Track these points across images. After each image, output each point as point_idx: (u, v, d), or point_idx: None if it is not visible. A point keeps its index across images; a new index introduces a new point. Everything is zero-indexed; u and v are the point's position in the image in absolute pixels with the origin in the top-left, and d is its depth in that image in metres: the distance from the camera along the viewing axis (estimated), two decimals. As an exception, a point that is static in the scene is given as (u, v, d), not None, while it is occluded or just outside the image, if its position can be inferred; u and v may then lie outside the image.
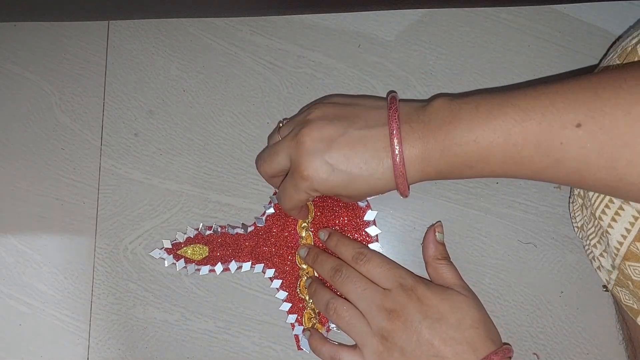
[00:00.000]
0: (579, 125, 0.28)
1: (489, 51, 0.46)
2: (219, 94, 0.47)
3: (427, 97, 0.46)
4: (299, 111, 0.45)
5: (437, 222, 0.43)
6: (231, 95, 0.47)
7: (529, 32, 0.46)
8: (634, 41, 0.34)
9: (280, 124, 0.41)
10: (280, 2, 0.45)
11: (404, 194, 0.35)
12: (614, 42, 0.45)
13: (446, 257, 0.41)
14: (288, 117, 0.46)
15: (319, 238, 0.44)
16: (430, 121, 0.33)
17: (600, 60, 0.44)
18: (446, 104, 0.33)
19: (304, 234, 0.44)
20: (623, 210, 0.33)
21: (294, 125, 0.38)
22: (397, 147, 0.33)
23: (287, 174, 0.38)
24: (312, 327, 0.43)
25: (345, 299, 0.39)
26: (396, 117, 0.34)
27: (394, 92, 0.37)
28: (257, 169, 0.41)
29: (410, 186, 0.35)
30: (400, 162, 0.33)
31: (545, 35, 0.45)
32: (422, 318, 0.36)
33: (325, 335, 0.43)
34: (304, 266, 0.44)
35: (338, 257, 0.42)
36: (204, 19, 0.48)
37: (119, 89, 0.48)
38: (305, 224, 0.44)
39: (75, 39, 0.49)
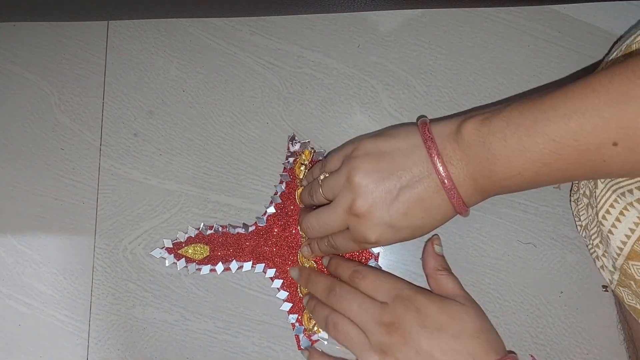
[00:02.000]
0: (615, 144, 0.28)
1: (489, 51, 0.46)
2: (219, 94, 0.47)
3: (426, 97, 0.46)
4: (327, 157, 0.42)
5: (434, 235, 0.43)
6: (231, 95, 0.47)
7: (529, 32, 0.46)
8: (639, 38, 0.34)
9: (320, 178, 0.40)
10: (280, 2, 0.45)
11: (465, 214, 0.36)
12: (617, 41, 0.45)
13: (447, 268, 0.41)
14: (288, 117, 0.46)
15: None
16: (469, 159, 0.33)
17: (603, 58, 0.44)
18: (475, 133, 0.33)
19: (305, 234, 0.44)
20: (628, 210, 0.33)
21: (338, 189, 0.37)
22: (446, 179, 0.34)
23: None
24: (313, 327, 0.43)
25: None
26: (436, 157, 0.34)
27: (424, 119, 0.37)
28: (303, 230, 0.42)
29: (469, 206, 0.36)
30: (451, 186, 0.34)
31: (545, 36, 0.45)
32: (420, 329, 0.36)
33: (327, 336, 0.43)
34: (306, 265, 0.44)
35: (333, 277, 0.42)
36: (204, 19, 0.48)
37: (118, 89, 0.48)
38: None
39: (74, 39, 0.49)
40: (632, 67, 0.28)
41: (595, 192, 0.36)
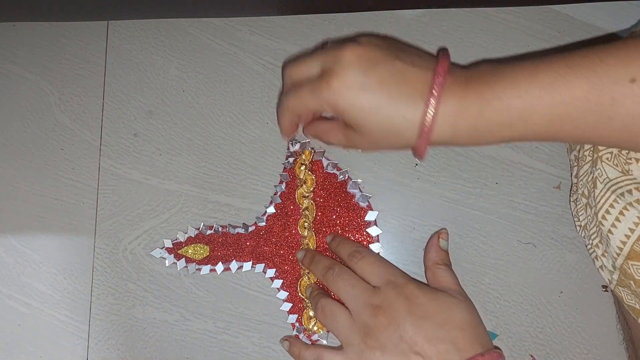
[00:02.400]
0: (633, 81, 0.26)
1: (489, 51, 0.46)
2: (219, 94, 0.47)
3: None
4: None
5: (442, 229, 0.43)
6: (230, 95, 0.47)
7: (529, 32, 0.46)
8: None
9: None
10: (279, 2, 0.45)
11: (421, 152, 0.33)
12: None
13: (447, 264, 0.41)
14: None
15: (320, 238, 0.44)
16: (472, 75, 0.31)
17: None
18: (491, 64, 0.32)
19: (305, 234, 0.44)
20: (627, 210, 0.33)
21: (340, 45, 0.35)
22: (436, 92, 0.31)
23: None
24: (312, 327, 0.43)
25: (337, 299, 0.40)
26: (446, 66, 0.32)
27: (446, 48, 0.36)
28: (283, 71, 0.39)
29: (427, 148, 0.33)
30: (433, 110, 0.31)
31: (544, 36, 0.45)
32: (407, 314, 0.35)
33: (326, 336, 0.43)
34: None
35: (337, 259, 0.42)
36: (203, 19, 0.48)
37: (118, 89, 0.48)
38: (306, 224, 0.44)
39: (74, 39, 0.49)
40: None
41: (594, 192, 0.36)
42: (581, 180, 0.38)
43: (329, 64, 0.33)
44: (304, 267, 0.44)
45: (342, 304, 0.39)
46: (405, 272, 0.39)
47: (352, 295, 0.38)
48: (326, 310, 0.39)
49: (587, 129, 0.29)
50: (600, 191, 0.35)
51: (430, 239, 0.43)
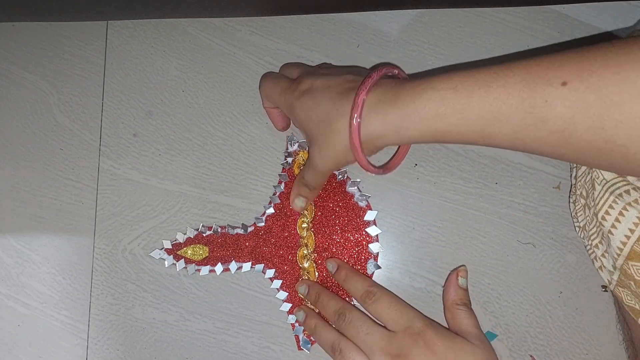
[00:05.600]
0: (564, 84, 0.26)
1: (488, 51, 0.46)
2: (218, 94, 0.47)
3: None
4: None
5: (461, 266, 0.43)
6: (230, 95, 0.47)
7: (528, 32, 0.46)
8: None
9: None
10: (279, 2, 0.45)
11: (359, 156, 0.34)
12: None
13: (466, 303, 0.40)
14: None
15: (319, 238, 0.44)
16: (412, 77, 0.32)
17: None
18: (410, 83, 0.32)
19: (304, 234, 0.44)
20: (627, 210, 0.33)
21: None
22: (367, 84, 0.32)
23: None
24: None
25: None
26: (382, 70, 0.33)
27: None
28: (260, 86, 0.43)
29: (368, 157, 0.34)
30: (365, 96, 0.32)
31: (544, 36, 0.45)
32: None
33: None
34: (306, 265, 0.44)
35: (339, 292, 0.43)
36: (203, 19, 0.48)
37: (117, 89, 0.48)
38: (305, 224, 0.44)
39: (73, 39, 0.49)
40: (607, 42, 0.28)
41: (592, 193, 0.36)
42: (579, 181, 0.38)
43: (302, 74, 0.39)
44: (304, 268, 0.44)
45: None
46: (421, 314, 0.38)
47: (367, 343, 0.37)
48: (344, 354, 0.38)
49: (521, 130, 0.28)
50: (599, 192, 0.35)
51: (449, 276, 0.42)
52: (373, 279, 0.44)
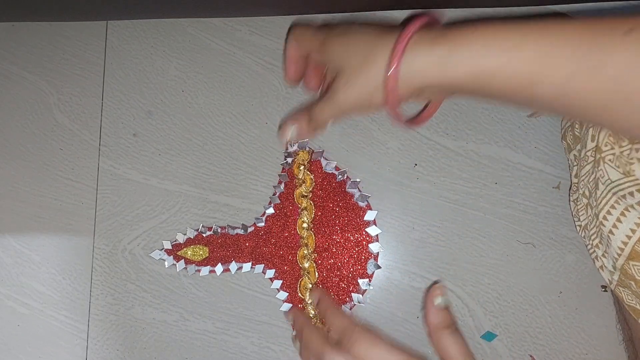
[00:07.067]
0: (629, 31, 0.27)
1: (488, 51, 0.46)
2: (218, 94, 0.47)
3: (426, 97, 0.46)
4: None
5: (434, 282, 0.41)
6: (230, 95, 0.47)
7: (528, 32, 0.46)
8: None
9: None
10: (279, 2, 0.45)
11: (392, 94, 0.31)
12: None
13: (450, 325, 0.36)
14: (287, 117, 0.46)
15: (319, 238, 0.44)
16: (449, 27, 0.30)
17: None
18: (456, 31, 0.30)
19: (304, 234, 0.44)
20: (629, 211, 0.33)
21: None
22: (412, 27, 0.30)
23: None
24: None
25: None
26: (424, 17, 0.31)
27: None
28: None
29: (401, 103, 0.31)
30: (407, 38, 0.30)
31: (544, 36, 0.45)
32: None
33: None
34: (306, 265, 0.44)
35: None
36: (203, 19, 0.48)
37: (117, 89, 0.48)
38: (305, 224, 0.44)
39: (73, 39, 0.49)
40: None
41: (595, 193, 0.36)
42: (582, 180, 0.38)
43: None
44: (304, 268, 0.44)
45: None
46: (400, 352, 0.35)
47: None
48: None
49: (574, 75, 0.27)
50: (602, 192, 0.35)
51: (425, 299, 0.40)
52: (373, 278, 0.44)
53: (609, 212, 0.34)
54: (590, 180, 0.37)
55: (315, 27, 0.38)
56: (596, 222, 0.36)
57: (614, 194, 0.34)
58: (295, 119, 0.37)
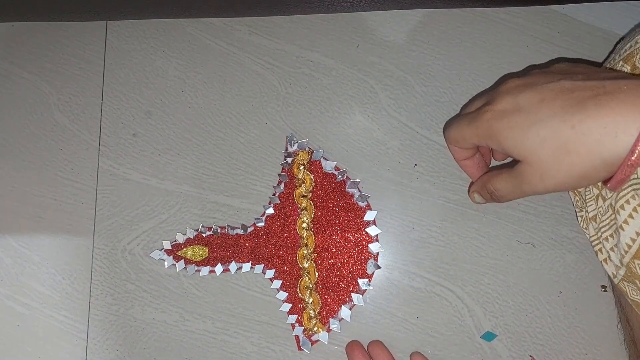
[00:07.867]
0: None
1: (488, 52, 0.46)
2: (218, 94, 0.47)
3: (425, 97, 0.46)
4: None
5: (413, 354, 0.43)
6: (229, 95, 0.47)
7: (528, 32, 0.46)
8: (638, 45, 0.34)
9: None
10: (279, 2, 0.45)
11: (624, 176, 0.28)
12: (619, 41, 0.45)
13: None
14: (287, 117, 0.46)
15: (319, 238, 0.44)
16: None
17: (604, 60, 0.44)
18: None
19: (304, 234, 0.44)
20: None
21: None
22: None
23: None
24: (312, 327, 0.43)
25: None
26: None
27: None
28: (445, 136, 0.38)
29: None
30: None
31: (543, 36, 0.45)
32: None
33: (326, 336, 0.43)
34: (306, 265, 0.44)
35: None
36: (203, 19, 0.48)
37: (117, 89, 0.48)
38: (305, 224, 0.44)
39: (73, 39, 0.49)
40: None
41: None
42: None
43: (489, 97, 0.32)
44: (304, 268, 0.44)
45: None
46: None
47: None
48: None
49: None
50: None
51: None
52: (373, 278, 0.44)
53: (622, 207, 0.33)
54: None
55: (460, 119, 0.35)
56: (610, 214, 0.35)
57: (632, 188, 0.33)
58: (479, 192, 0.37)
